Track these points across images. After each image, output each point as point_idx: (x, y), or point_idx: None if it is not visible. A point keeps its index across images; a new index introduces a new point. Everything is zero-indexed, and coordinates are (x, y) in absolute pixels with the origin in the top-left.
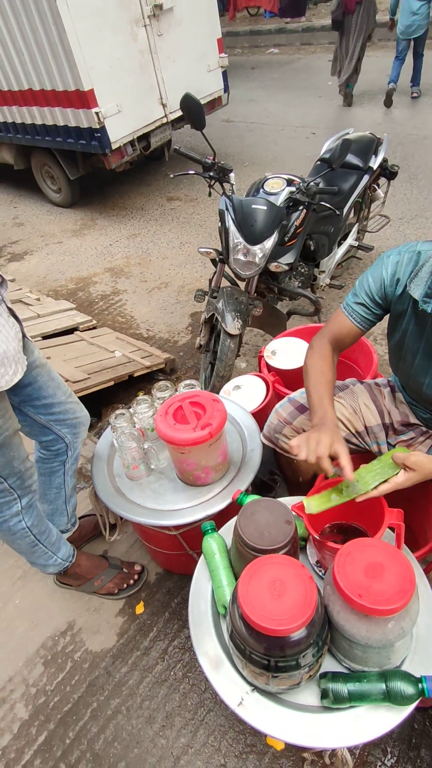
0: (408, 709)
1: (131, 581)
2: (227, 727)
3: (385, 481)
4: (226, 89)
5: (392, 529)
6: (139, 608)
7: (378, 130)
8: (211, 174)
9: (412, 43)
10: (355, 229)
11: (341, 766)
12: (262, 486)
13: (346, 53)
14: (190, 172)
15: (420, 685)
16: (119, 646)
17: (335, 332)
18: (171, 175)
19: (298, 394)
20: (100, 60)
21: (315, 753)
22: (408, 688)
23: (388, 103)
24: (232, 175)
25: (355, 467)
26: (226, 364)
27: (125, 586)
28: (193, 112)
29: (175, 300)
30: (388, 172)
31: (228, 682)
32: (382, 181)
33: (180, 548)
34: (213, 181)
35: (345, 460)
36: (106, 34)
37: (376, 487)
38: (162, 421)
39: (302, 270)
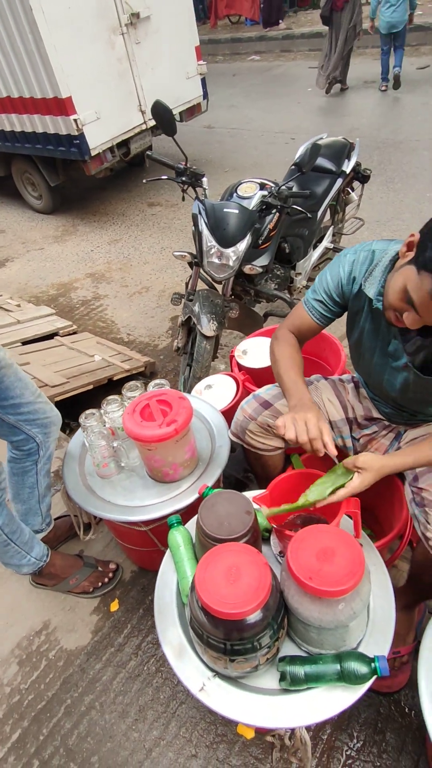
0: (362, 689)
1: (106, 579)
2: (198, 718)
3: (341, 486)
4: (205, 96)
5: (351, 517)
6: (114, 606)
7: (355, 135)
8: (184, 179)
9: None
10: (330, 231)
11: (300, 745)
12: (237, 484)
13: (335, 47)
14: (163, 177)
15: (372, 665)
16: (94, 643)
17: (296, 325)
18: (144, 181)
19: (263, 391)
20: (78, 68)
21: (276, 735)
22: (361, 668)
23: (396, 86)
24: (204, 179)
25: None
26: (203, 366)
27: (100, 584)
28: (164, 118)
29: (155, 304)
30: (361, 175)
31: (191, 669)
32: (356, 184)
33: (152, 545)
34: (186, 186)
35: (328, 437)
36: (84, 42)
37: (334, 492)
38: (129, 419)
39: (278, 272)
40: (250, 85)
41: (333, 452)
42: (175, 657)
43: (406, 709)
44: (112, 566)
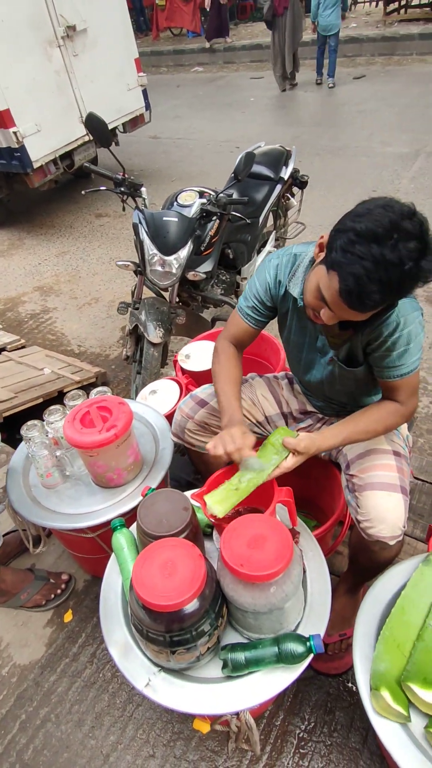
0: (300, 668)
1: (58, 591)
2: (155, 718)
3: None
4: (148, 107)
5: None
6: (68, 616)
7: (296, 143)
8: (123, 189)
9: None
10: (273, 236)
11: (246, 729)
12: (188, 486)
13: (281, 49)
14: (102, 188)
15: (308, 644)
16: (48, 656)
17: (234, 333)
18: (83, 192)
19: (200, 390)
20: (15, 80)
21: (223, 722)
22: (298, 648)
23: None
24: (143, 189)
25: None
26: (152, 372)
27: (53, 596)
28: (97, 130)
29: (106, 315)
30: (299, 181)
31: (136, 666)
32: (296, 190)
33: (102, 551)
34: (125, 196)
35: (248, 451)
36: (20, 55)
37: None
38: (69, 427)
39: (223, 278)
40: (194, 96)
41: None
42: (120, 656)
43: (354, 688)
44: (65, 577)
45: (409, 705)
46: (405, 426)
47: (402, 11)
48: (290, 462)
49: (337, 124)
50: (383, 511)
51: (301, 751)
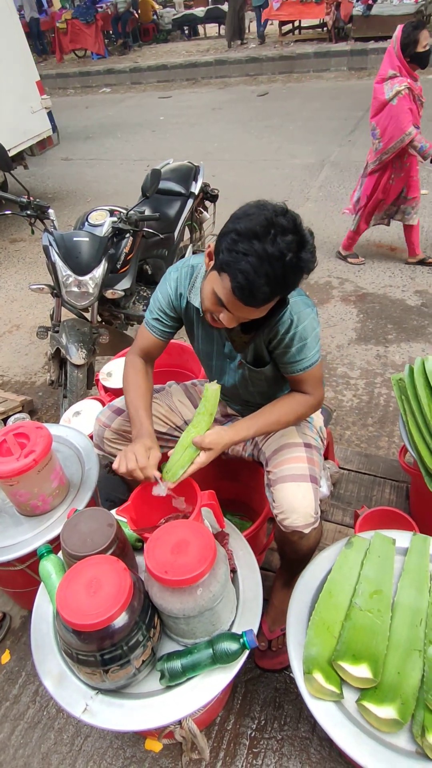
0: (237, 665)
1: None
2: (105, 747)
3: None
4: (55, 129)
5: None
6: (5, 657)
7: (209, 158)
8: (29, 212)
9: None
10: (190, 249)
11: (190, 736)
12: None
13: (236, 12)
14: (7, 212)
15: (241, 640)
16: None
17: (143, 347)
18: None
19: (117, 401)
20: None
21: (168, 735)
22: (231, 646)
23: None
24: (50, 211)
25: None
26: (78, 395)
27: None
28: None
29: (28, 341)
30: (210, 195)
31: (72, 693)
32: (209, 204)
33: (35, 583)
34: (33, 219)
35: (153, 461)
36: None
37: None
38: None
39: (144, 294)
40: (104, 117)
41: (152, 477)
42: (55, 686)
43: None
44: None
45: (342, 683)
46: (320, 418)
47: (296, 32)
48: (203, 458)
49: (246, 140)
50: (294, 501)
51: (254, 750)
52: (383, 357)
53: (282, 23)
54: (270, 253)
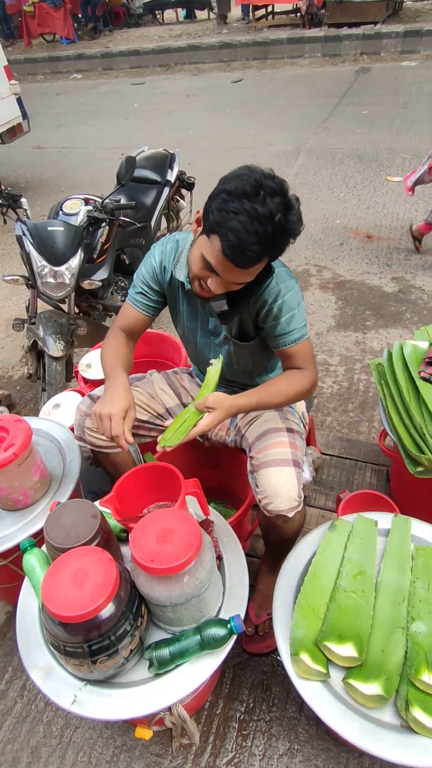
0: (225, 651)
1: None
2: (95, 737)
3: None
4: (25, 116)
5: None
6: None
7: (184, 146)
8: (1, 201)
9: None
10: None
11: (180, 722)
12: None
13: None
14: None
15: (229, 625)
16: None
17: (125, 321)
18: None
19: (98, 390)
20: None
21: (158, 722)
22: (219, 631)
23: None
24: (23, 200)
25: None
26: (57, 388)
27: None
28: None
29: (4, 334)
30: (186, 183)
31: (60, 685)
32: (185, 192)
33: (19, 578)
34: (5, 209)
35: (129, 425)
36: None
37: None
38: None
39: (122, 284)
40: (77, 104)
41: (125, 444)
42: (42, 678)
43: None
44: None
45: (328, 663)
46: (303, 404)
47: (269, 17)
48: (207, 419)
49: (221, 127)
50: (278, 485)
51: (243, 732)
52: (362, 343)
53: (255, 8)
54: (260, 213)
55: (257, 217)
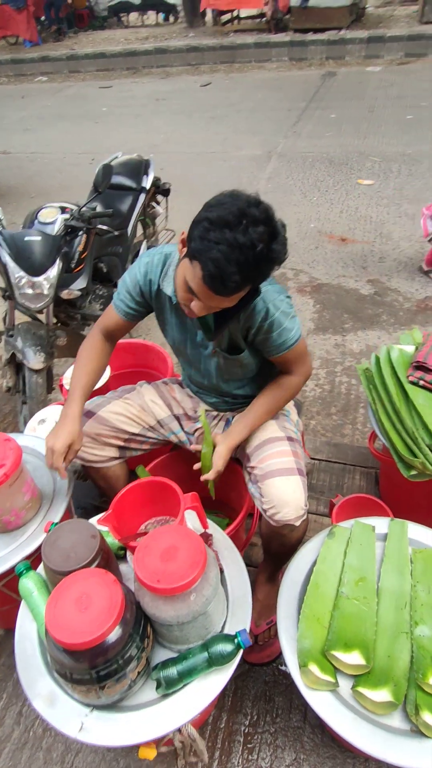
0: (232, 666)
1: None
2: (98, 761)
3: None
4: None
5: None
6: None
7: (155, 150)
8: None
9: None
10: (144, 245)
11: (190, 741)
12: (96, 511)
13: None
14: None
15: (236, 640)
16: None
17: (106, 324)
18: None
19: (86, 405)
20: None
21: (167, 742)
22: (226, 647)
23: None
24: None
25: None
26: (38, 401)
27: None
28: None
29: None
30: (161, 189)
31: (66, 713)
32: (160, 198)
33: (11, 600)
34: None
35: (71, 457)
36: None
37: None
38: None
39: (101, 293)
40: (42, 107)
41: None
42: (46, 706)
43: (287, 670)
44: None
45: (336, 671)
46: (295, 411)
47: (235, 22)
48: (218, 465)
49: (191, 132)
50: (285, 494)
51: (249, 746)
52: (341, 346)
53: (220, 13)
54: (241, 243)
55: (238, 246)
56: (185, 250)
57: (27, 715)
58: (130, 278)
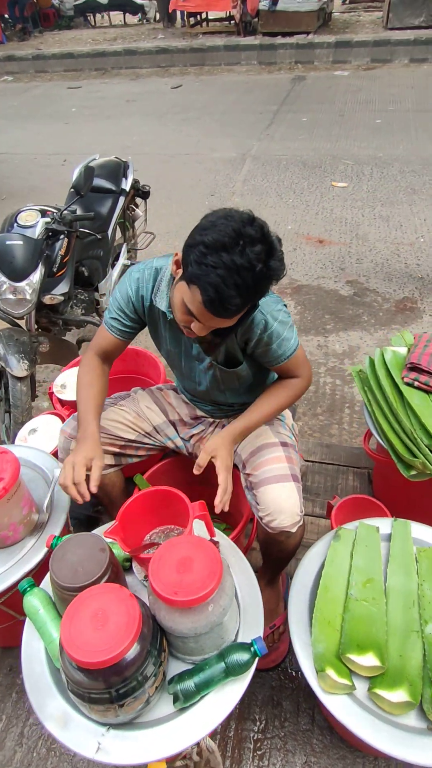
0: (249, 674)
1: None
2: None
3: None
4: None
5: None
6: None
7: (128, 152)
8: None
9: None
10: (124, 248)
11: (208, 754)
12: (89, 521)
13: None
14: None
15: (252, 649)
16: None
17: (101, 345)
18: None
19: None
20: None
21: (185, 756)
22: (243, 656)
23: None
24: None
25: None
26: (23, 410)
27: None
28: None
29: None
30: (141, 192)
31: (81, 734)
32: (140, 201)
33: (8, 618)
34: None
35: (96, 473)
36: None
37: None
38: None
39: (82, 297)
40: (9, 107)
41: (85, 494)
42: (60, 729)
43: (293, 673)
44: None
45: (351, 674)
46: (290, 416)
47: (203, 24)
48: (219, 463)
49: (164, 133)
50: (280, 501)
51: (259, 752)
52: (324, 347)
53: (189, 14)
54: (239, 265)
55: (237, 269)
56: (180, 272)
57: (29, 736)
58: (121, 294)
